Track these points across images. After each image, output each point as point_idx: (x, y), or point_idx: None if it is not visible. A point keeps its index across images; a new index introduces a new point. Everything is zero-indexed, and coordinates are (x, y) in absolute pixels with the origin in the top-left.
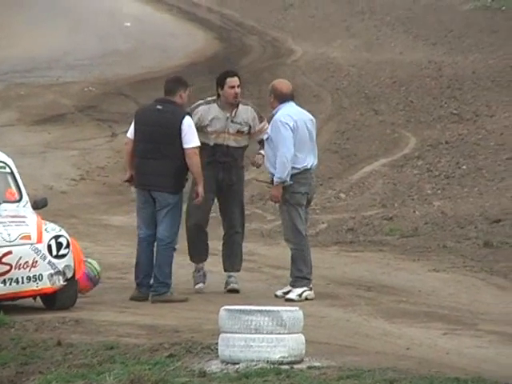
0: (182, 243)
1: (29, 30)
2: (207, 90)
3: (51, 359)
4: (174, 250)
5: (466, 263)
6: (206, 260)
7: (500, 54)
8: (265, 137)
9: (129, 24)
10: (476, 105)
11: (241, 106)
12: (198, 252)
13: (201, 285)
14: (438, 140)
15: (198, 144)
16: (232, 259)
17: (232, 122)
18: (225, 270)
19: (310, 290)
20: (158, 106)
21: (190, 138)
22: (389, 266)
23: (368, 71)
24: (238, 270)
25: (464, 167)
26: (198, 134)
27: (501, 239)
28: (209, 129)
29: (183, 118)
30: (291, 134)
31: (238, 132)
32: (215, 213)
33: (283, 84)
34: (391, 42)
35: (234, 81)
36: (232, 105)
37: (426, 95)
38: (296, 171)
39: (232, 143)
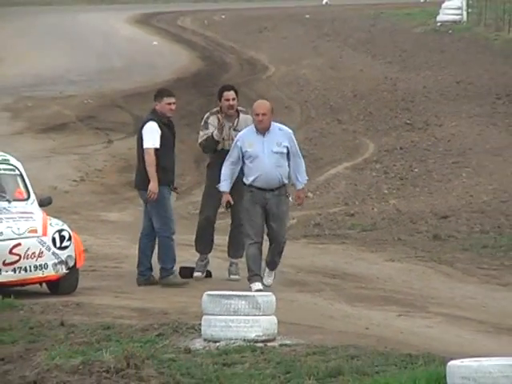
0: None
1: (35, 50)
2: (192, 102)
3: (55, 338)
4: (169, 237)
5: (418, 254)
6: (209, 252)
7: (447, 71)
8: (289, 150)
9: (156, 43)
10: (426, 115)
11: (241, 116)
12: (204, 244)
13: (199, 274)
14: (394, 146)
15: (150, 146)
16: (235, 248)
17: (234, 130)
18: (228, 256)
19: None
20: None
21: (146, 140)
22: (351, 257)
23: (332, 86)
24: (240, 257)
25: (416, 170)
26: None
27: (448, 233)
28: (215, 137)
29: (145, 123)
30: None
31: None
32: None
33: None
34: (353, 61)
35: (230, 94)
36: (230, 115)
37: (383, 107)
38: None
39: None
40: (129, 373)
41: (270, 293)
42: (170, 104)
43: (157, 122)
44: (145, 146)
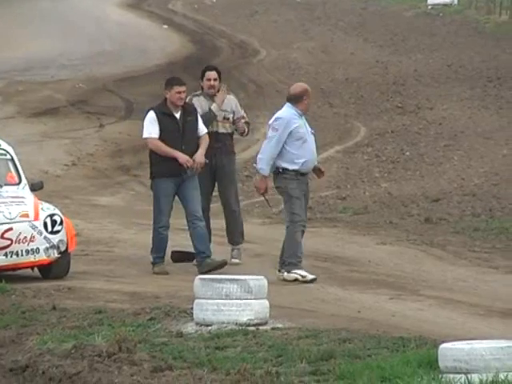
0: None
1: (27, 34)
2: None
3: (47, 322)
4: (157, 230)
5: (409, 237)
6: (209, 243)
7: (438, 55)
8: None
9: (166, 26)
10: (418, 99)
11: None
12: None
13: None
14: (385, 129)
15: (147, 136)
16: (233, 234)
17: (220, 110)
18: (229, 242)
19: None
20: None
21: (143, 130)
22: (342, 240)
23: (324, 69)
24: (240, 243)
25: (407, 153)
26: None
27: (439, 216)
28: (213, 109)
29: (145, 114)
30: None
31: (225, 119)
32: None
33: (292, 86)
34: (344, 44)
35: (212, 74)
36: (212, 95)
37: (375, 90)
38: None
39: (221, 129)
40: (121, 357)
41: (261, 276)
42: (179, 93)
43: (156, 111)
44: (144, 136)
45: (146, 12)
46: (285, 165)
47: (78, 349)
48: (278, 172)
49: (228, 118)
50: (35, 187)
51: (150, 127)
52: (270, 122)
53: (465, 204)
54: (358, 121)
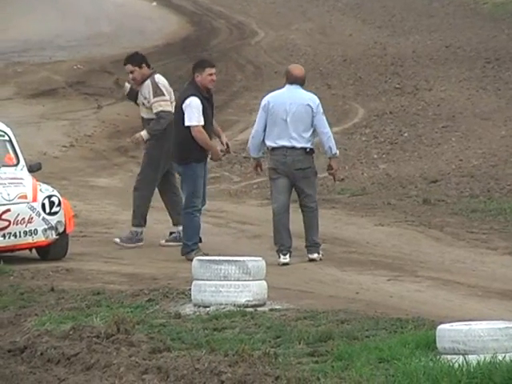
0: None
1: (23, 15)
2: (181, 68)
3: (45, 303)
4: (192, 213)
5: (408, 218)
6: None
7: (436, 36)
8: None
9: (155, 3)
10: (416, 80)
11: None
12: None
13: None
14: (383, 111)
15: (197, 123)
16: (175, 214)
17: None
18: (173, 224)
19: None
20: (185, 85)
21: (188, 117)
22: (340, 221)
23: (322, 51)
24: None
25: (406, 134)
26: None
27: (437, 197)
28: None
29: (185, 98)
30: (261, 114)
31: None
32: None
33: (293, 68)
34: (342, 26)
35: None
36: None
37: (373, 71)
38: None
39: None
40: (119, 338)
41: (259, 258)
42: (211, 75)
43: (200, 97)
44: (191, 123)
45: None
46: (313, 145)
47: (76, 330)
48: (312, 153)
49: (143, 104)
50: (33, 168)
51: (198, 115)
52: (315, 107)
53: (463, 185)
54: (356, 102)
